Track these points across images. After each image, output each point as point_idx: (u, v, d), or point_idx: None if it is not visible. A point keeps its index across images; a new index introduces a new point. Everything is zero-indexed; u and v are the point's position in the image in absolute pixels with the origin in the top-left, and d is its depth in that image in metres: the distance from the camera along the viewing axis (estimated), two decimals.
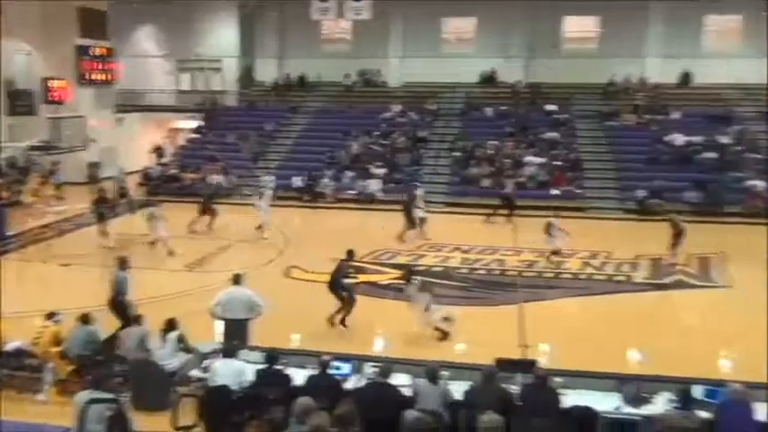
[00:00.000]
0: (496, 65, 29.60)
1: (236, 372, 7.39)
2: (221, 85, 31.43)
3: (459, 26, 30.95)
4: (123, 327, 9.51)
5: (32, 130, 19.74)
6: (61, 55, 25.17)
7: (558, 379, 7.39)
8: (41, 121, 18.49)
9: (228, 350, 7.75)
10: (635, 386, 7.34)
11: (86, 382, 7.29)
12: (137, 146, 28.28)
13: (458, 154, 24.55)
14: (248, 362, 7.94)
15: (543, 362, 8.82)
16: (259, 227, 17.29)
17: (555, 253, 15.10)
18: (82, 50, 25.86)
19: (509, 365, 7.79)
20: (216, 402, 7.11)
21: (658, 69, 28.06)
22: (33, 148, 19.26)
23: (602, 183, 22.71)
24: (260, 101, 30.33)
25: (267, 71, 31.91)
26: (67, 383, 8.38)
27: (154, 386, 8.09)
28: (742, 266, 14.98)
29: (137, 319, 9.02)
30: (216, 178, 23.94)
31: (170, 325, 8.70)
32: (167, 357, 8.45)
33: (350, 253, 11.59)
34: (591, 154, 24.41)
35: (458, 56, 29.93)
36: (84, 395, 6.55)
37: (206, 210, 18.01)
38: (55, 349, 8.56)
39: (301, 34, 30.97)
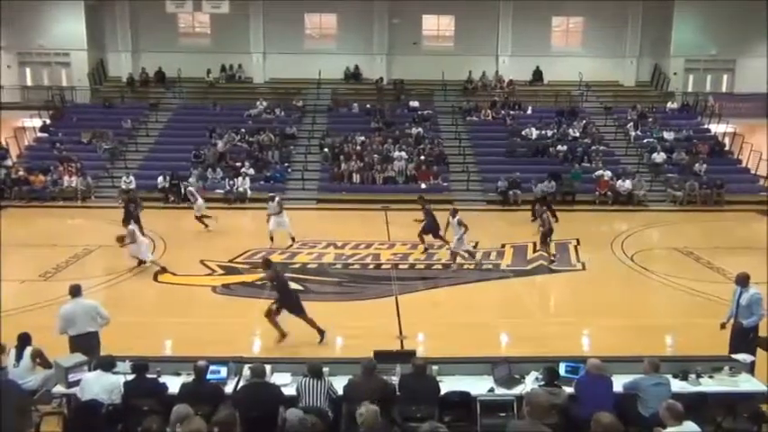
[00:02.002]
0: (360, 61, 29.99)
1: (110, 385, 6.96)
2: (70, 81, 29.29)
3: (322, 22, 31.03)
4: None
5: None
6: None
7: (434, 367, 7.63)
8: None
9: (103, 363, 7.22)
10: (506, 368, 7.71)
11: None
12: None
13: (327, 150, 24.60)
14: (118, 373, 7.51)
15: (420, 351, 9.11)
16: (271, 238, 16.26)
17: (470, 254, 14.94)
18: None
19: (388, 357, 7.91)
20: (85, 418, 6.65)
21: (511, 67, 29.78)
22: None
23: (466, 176, 23.69)
24: (115, 97, 28.62)
25: (121, 65, 30.13)
26: None
27: (11, 407, 7.40)
28: (593, 250, 16.26)
29: None
30: (70, 180, 22.35)
31: (23, 340, 8.00)
32: (24, 375, 7.77)
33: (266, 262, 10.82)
34: (454, 148, 25.39)
35: (321, 52, 29.96)
36: None
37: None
38: None
39: (156, 27, 29.55)
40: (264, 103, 27.57)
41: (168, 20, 29.08)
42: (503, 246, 16.51)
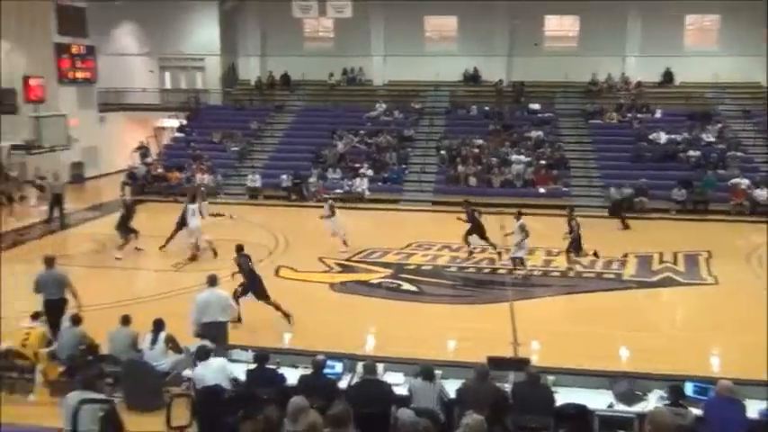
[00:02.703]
0: (479, 63, 29.73)
1: (218, 369, 7.35)
2: (204, 84, 31.24)
3: (442, 24, 31.06)
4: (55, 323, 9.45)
5: (14, 130, 19.43)
6: (41, 53, 24.76)
7: (550, 377, 7.43)
8: (23, 120, 18.20)
9: (202, 353, 7.57)
10: (627, 384, 7.38)
11: (77, 383, 7.21)
12: (120, 145, 27.99)
13: (443, 153, 24.60)
14: (238, 362, 7.91)
15: (535, 360, 8.91)
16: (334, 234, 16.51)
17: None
18: (61, 48, 25.49)
19: (501, 363, 7.81)
20: (209, 402, 7.04)
21: (639, 68, 28.41)
22: (16, 147, 18.94)
23: (588, 181, 22.84)
24: (244, 99, 30.16)
25: (250, 69, 31.75)
26: (58, 384, 8.27)
27: (146, 387, 8.02)
28: (727, 263, 15.17)
29: (125, 320, 8.93)
30: (202, 177, 23.81)
31: (158, 325, 8.61)
32: (158, 358, 8.37)
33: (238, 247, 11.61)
34: (575, 152, 24.58)
35: (440, 54, 29.96)
36: (75, 396, 6.46)
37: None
38: (44, 350, 8.44)
39: (284, 32, 30.82)
40: (383, 106, 27.98)
41: (294, 25, 30.25)
42: (625, 255, 15.77)
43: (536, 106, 27.31)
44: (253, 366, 7.55)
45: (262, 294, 11.03)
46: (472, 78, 29.80)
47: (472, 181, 23.11)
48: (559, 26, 30.13)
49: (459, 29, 30.39)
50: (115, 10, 29.58)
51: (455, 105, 28.16)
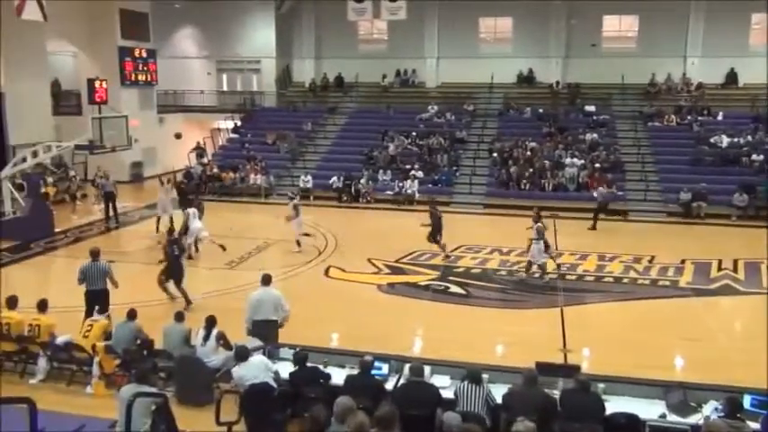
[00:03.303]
0: (534, 65, 29.38)
1: (259, 367, 7.43)
2: (259, 86, 31.84)
3: (496, 26, 30.81)
4: (91, 312, 9.80)
5: (78, 130, 20.22)
6: (105, 56, 25.73)
7: (600, 385, 7.28)
8: (87, 121, 18.93)
9: (241, 354, 7.66)
10: (681, 394, 7.16)
11: (131, 377, 7.45)
12: (177, 145, 28.74)
13: (496, 155, 24.38)
14: (286, 360, 8.01)
15: (585, 367, 8.74)
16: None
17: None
18: (124, 52, 26.40)
19: (550, 369, 7.68)
20: (256, 400, 7.17)
21: (701, 69, 27.54)
22: (79, 147, 19.73)
23: (644, 185, 22.27)
24: (298, 101, 30.58)
25: (304, 71, 32.19)
26: (113, 377, 8.55)
27: (197, 382, 8.21)
28: None
29: (179, 317, 9.16)
30: (255, 177, 24.27)
31: (210, 322, 8.80)
32: (209, 354, 8.56)
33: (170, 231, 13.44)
34: (632, 155, 23.98)
35: (495, 56, 29.73)
36: (129, 389, 6.67)
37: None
38: (101, 344, 8.74)
39: (338, 35, 31.16)
40: (436, 107, 27.94)
41: (349, 28, 30.49)
42: (682, 262, 15.30)
43: (592, 108, 26.79)
44: (294, 369, 7.61)
45: (178, 279, 12.13)
46: (526, 80, 29.48)
47: (524, 184, 22.82)
48: (618, 26, 29.49)
49: (514, 30, 30.11)
50: (175, 15, 30.52)
51: (508, 107, 27.91)
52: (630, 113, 26.42)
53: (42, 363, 8.95)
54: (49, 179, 22.31)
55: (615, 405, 6.97)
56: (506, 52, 29.96)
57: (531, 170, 23.14)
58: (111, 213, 20.03)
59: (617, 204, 21.03)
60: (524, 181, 22.83)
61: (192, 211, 15.72)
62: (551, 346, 10.28)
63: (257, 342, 8.57)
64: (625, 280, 14.16)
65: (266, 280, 9.54)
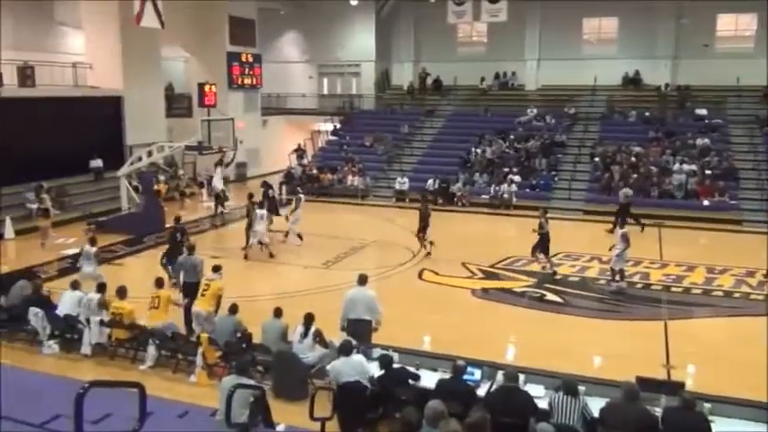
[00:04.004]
0: (641, 66, 28.23)
1: (356, 366, 7.51)
2: (358, 89, 32.40)
3: (601, 26, 29.84)
4: (189, 305, 10.44)
5: (188, 132, 21.37)
6: (214, 61, 27.04)
7: (706, 404, 6.89)
8: (196, 123, 19.97)
9: (345, 348, 7.77)
10: None
11: (232, 369, 7.77)
12: (279, 147, 29.74)
13: (597, 160, 23.58)
14: (372, 360, 8.08)
15: (689, 384, 8.29)
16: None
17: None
18: (232, 57, 27.60)
19: (652, 385, 7.34)
20: (350, 398, 7.28)
21: None
22: (188, 148, 20.84)
23: (760, 194, 20.87)
24: (396, 104, 30.85)
25: (403, 75, 32.47)
26: (215, 368, 8.94)
27: (293, 377, 8.45)
28: None
29: (277, 312, 9.45)
30: (353, 179, 24.69)
31: (308, 320, 9.03)
32: (305, 351, 8.78)
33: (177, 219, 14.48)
34: (747, 162, 22.53)
35: (599, 57, 28.85)
36: (230, 380, 6.95)
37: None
38: (205, 335, 9.16)
39: (436, 37, 31.25)
40: (535, 110, 27.39)
41: (448, 31, 30.48)
42: None
43: (703, 112, 25.42)
44: (381, 372, 7.65)
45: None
46: (632, 82, 28.39)
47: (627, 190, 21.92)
48: (733, 25, 27.80)
49: (620, 30, 29.11)
50: (279, 21, 31.59)
51: (612, 110, 26.96)
52: (746, 117, 24.82)
53: (152, 350, 9.49)
54: (161, 177, 23.65)
55: (721, 426, 6.58)
56: (611, 53, 28.97)
57: (635, 176, 22.22)
58: (221, 211, 21.10)
59: (729, 214, 19.83)
60: (628, 187, 21.89)
61: (261, 213, 16.08)
62: (652, 360, 9.82)
63: (351, 340, 8.70)
64: (736, 294, 13.33)
65: (362, 280, 9.68)
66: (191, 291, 10.66)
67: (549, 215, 15.17)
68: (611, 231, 17.81)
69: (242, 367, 7.25)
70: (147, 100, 24.21)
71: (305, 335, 8.86)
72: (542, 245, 14.60)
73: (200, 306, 10.02)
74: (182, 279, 11.28)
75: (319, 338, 8.89)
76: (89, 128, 22.12)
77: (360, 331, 9.13)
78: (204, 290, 10.08)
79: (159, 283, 10.41)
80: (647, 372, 8.18)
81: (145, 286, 10.64)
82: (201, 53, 27.33)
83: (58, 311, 10.16)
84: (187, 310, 10.44)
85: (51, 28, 24.66)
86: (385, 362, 7.69)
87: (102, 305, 10.02)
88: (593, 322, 11.91)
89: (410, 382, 7.59)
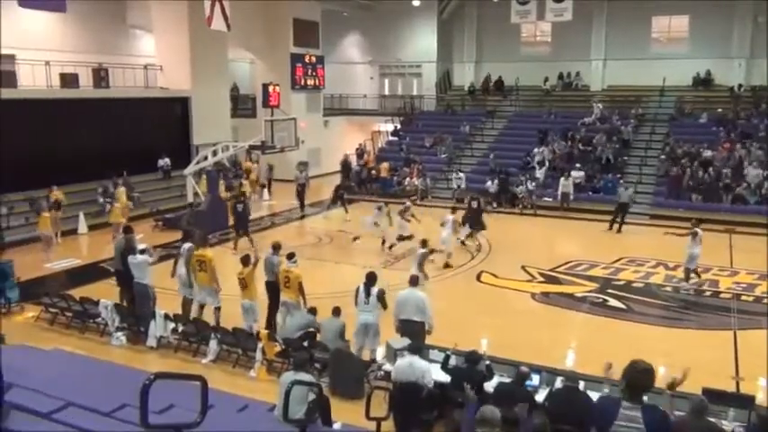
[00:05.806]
0: (713, 66, 27.22)
1: (419, 371, 7.45)
2: (419, 90, 32.39)
3: (671, 25, 28.90)
4: (271, 307, 10.69)
5: (252, 131, 21.87)
6: (278, 63, 27.55)
7: None
8: (260, 123, 20.39)
9: (414, 348, 7.79)
10: None
11: (291, 365, 7.89)
12: (340, 147, 30.03)
13: (666, 162, 22.82)
14: (435, 362, 8.04)
15: (760, 398, 7.95)
16: None
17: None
18: (296, 58, 28.05)
19: (719, 397, 7.05)
20: (406, 398, 7.28)
21: None
22: (252, 147, 21.31)
23: None
24: (457, 105, 30.69)
25: (464, 75, 32.28)
26: (274, 364, 9.11)
27: (350, 376, 8.52)
28: None
29: (336, 311, 9.55)
30: (412, 180, 24.69)
31: (370, 279, 9.23)
32: (374, 309, 8.93)
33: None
34: None
35: (668, 57, 27.97)
36: (288, 376, 7.02)
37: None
38: (264, 331, 9.36)
39: (499, 38, 30.95)
40: (600, 106, 26.72)
41: (511, 31, 30.13)
42: None
43: None
44: (464, 365, 7.60)
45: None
46: (703, 83, 27.41)
47: (696, 195, 21.17)
48: None
49: (691, 29, 28.14)
50: (342, 22, 31.92)
51: (682, 111, 26.06)
52: None
53: (213, 345, 9.75)
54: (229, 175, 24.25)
55: None
56: (681, 53, 28.04)
57: (705, 180, 21.41)
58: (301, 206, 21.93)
59: None
60: (695, 194, 21.16)
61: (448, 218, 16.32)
62: (720, 371, 9.44)
63: (405, 341, 8.71)
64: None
65: (413, 281, 9.69)
66: (413, 330, 9.75)
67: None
68: (611, 230, 18.29)
69: (300, 363, 7.34)
70: (213, 100, 24.88)
71: (368, 294, 9.11)
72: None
73: (287, 296, 10.24)
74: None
75: (382, 301, 9.19)
76: (158, 127, 22.93)
77: (411, 331, 9.14)
78: (286, 282, 10.19)
79: (245, 260, 10.55)
80: (713, 383, 7.87)
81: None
82: (266, 55, 27.89)
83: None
84: (270, 309, 10.78)
85: (124, 31, 25.66)
86: (471, 359, 7.60)
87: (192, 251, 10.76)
88: (657, 330, 11.55)
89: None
